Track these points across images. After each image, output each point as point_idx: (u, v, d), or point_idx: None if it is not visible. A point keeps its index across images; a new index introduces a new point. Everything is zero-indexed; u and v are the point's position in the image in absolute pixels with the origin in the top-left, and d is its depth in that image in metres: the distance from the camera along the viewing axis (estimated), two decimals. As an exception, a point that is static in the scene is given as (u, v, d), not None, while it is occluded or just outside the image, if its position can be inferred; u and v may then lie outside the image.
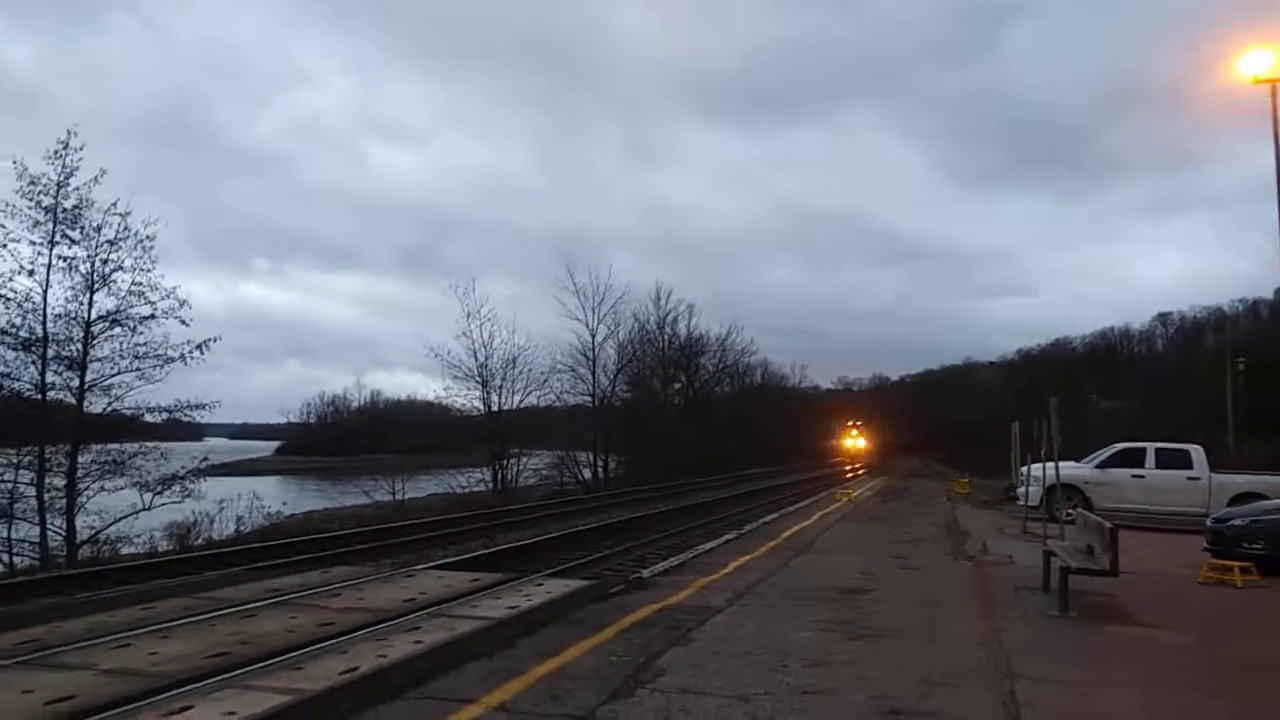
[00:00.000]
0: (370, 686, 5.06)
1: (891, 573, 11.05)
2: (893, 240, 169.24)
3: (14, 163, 16.23)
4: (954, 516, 20.82)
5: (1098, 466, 19.50)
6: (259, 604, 7.61)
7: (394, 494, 30.59)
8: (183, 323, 17.66)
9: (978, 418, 70.89)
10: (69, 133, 16.54)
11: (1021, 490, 19.76)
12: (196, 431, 26.79)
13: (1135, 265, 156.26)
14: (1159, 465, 18.95)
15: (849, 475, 57.97)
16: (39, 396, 16.68)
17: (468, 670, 5.70)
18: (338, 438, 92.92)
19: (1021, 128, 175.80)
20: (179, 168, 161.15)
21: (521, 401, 35.93)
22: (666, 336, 50.36)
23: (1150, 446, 19.53)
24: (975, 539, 15.21)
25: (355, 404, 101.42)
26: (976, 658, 6.41)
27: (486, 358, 33.98)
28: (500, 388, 34.56)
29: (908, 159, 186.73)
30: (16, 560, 15.40)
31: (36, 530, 15.90)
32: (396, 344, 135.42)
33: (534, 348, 36.29)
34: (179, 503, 18.10)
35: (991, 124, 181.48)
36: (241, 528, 20.43)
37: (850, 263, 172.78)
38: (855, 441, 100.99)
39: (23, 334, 16.43)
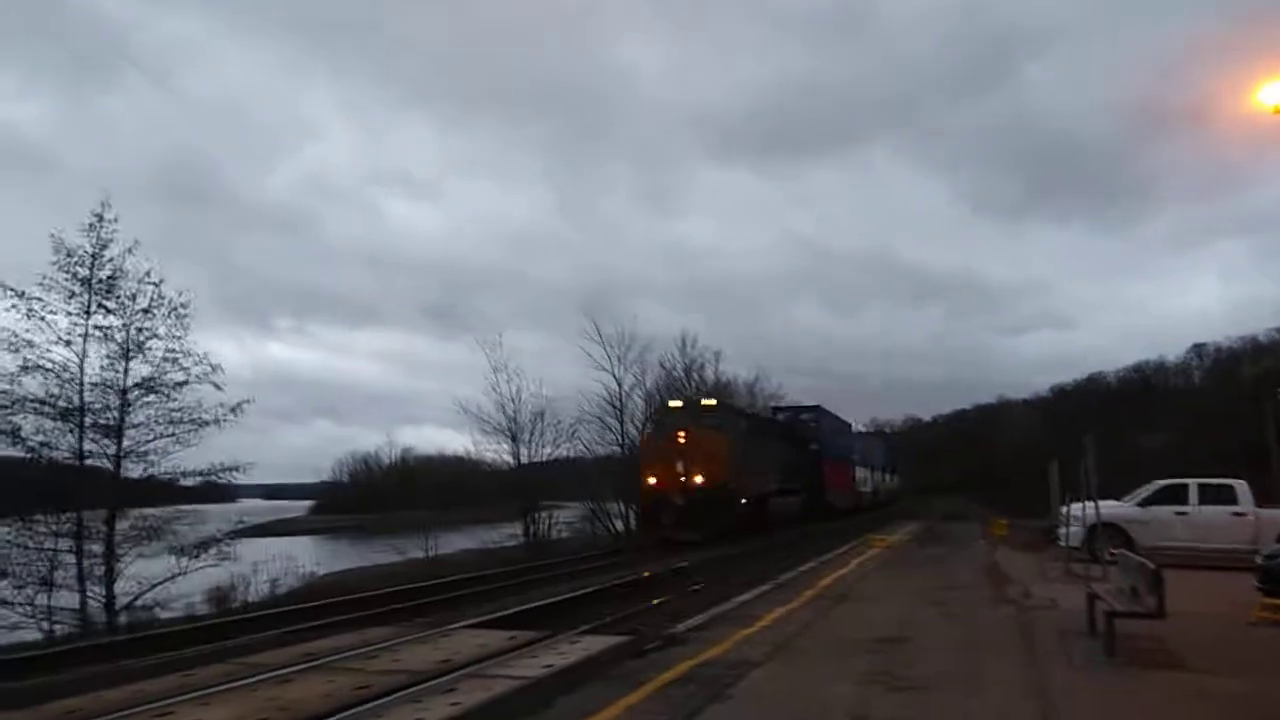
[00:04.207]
0: (409, 752, 5.04)
1: (932, 621, 10.87)
2: (920, 277, 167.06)
3: (51, 236, 16.61)
4: (993, 560, 20.46)
5: (1140, 505, 19.13)
6: (296, 668, 7.63)
7: (426, 550, 30.53)
8: (216, 387, 17.95)
9: (1013, 456, 69.81)
10: (103, 205, 16.99)
11: (1062, 531, 19.41)
12: (231, 493, 27.03)
13: (1169, 295, 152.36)
14: (1202, 501, 18.53)
15: None
16: (77, 464, 16.95)
17: (506, 732, 5.66)
18: (370, 495, 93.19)
19: (1048, 158, 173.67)
20: (196, 227, 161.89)
21: (551, 454, 35.93)
22: (694, 383, 50.19)
23: (1193, 483, 19.11)
24: (1016, 583, 14.93)
25: (386, 461, 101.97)
26: (1022, 708, 6.28)
27: (515, 411, 34.07)
28: (530, 440, 34.62)
29: (932, 193, 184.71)
30: (57, 628, 15.50)
31: (76, 597, 16.03)
32: (424, 400, 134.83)
33: (561, 399, 36.31)
34: (215, 566, 18.20)
35: (1016, 155, 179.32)
36: (277, 589, 20.47)
37: (878, 301, 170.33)
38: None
39: (61, 403, 16.75)
